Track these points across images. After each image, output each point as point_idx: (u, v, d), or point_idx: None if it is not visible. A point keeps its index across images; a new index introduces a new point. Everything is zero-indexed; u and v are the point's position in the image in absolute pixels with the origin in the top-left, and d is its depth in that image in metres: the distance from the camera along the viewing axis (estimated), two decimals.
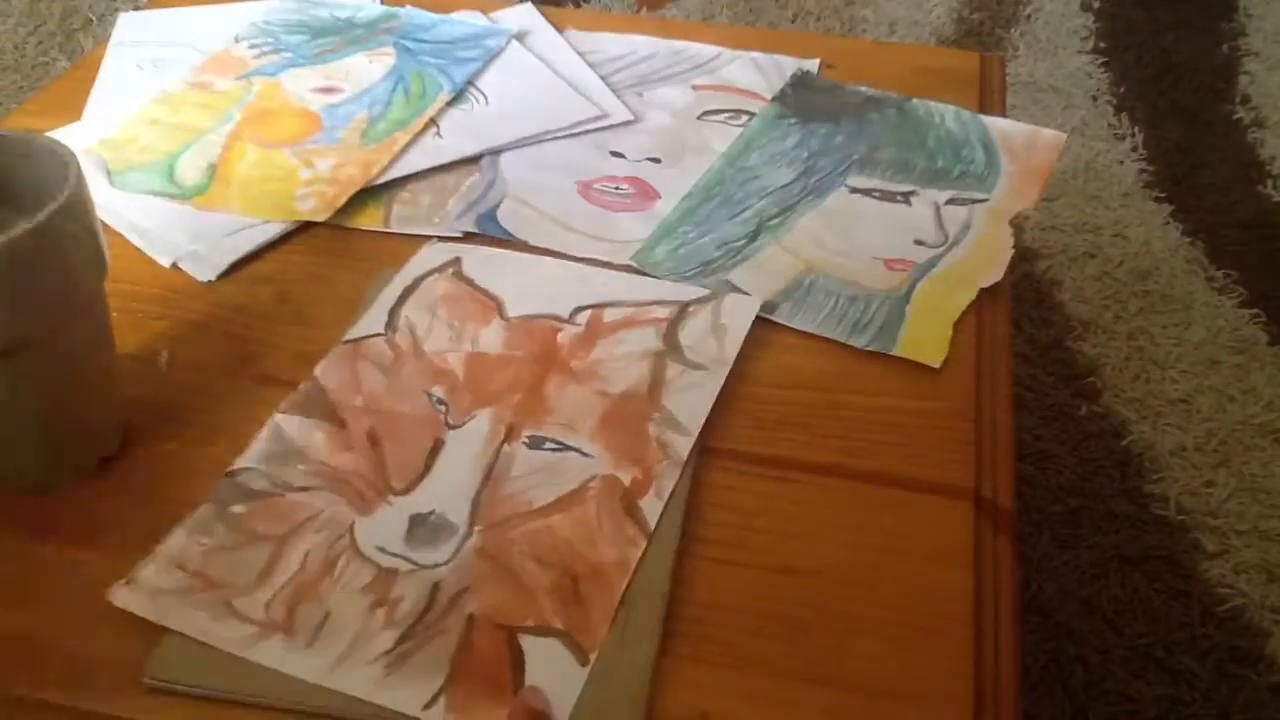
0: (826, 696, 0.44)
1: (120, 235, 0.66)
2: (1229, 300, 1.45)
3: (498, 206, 0.69)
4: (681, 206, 0.70)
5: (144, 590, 0.47)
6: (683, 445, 0.53)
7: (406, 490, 0.51)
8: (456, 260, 0.64)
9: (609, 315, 0.60)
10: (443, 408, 0.55)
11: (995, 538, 0.51)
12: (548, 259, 0.65)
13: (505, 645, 0.45)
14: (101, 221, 0.50)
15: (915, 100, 0.79)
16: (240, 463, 0.52)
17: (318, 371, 0.57)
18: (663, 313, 0.61)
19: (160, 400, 0.56)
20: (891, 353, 0.59)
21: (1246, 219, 1.60)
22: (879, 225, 0.68)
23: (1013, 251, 0.66)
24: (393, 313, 0.60)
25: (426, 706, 0.43)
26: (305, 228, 0.68)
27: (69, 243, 0.47)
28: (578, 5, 1.99)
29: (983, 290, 0.63)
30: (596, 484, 0.52)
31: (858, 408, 0.57)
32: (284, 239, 0.67)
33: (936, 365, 0.59)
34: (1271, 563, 1.14)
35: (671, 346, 0.58)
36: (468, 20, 0.87)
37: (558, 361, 0.57)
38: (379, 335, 0.59)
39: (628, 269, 0.65)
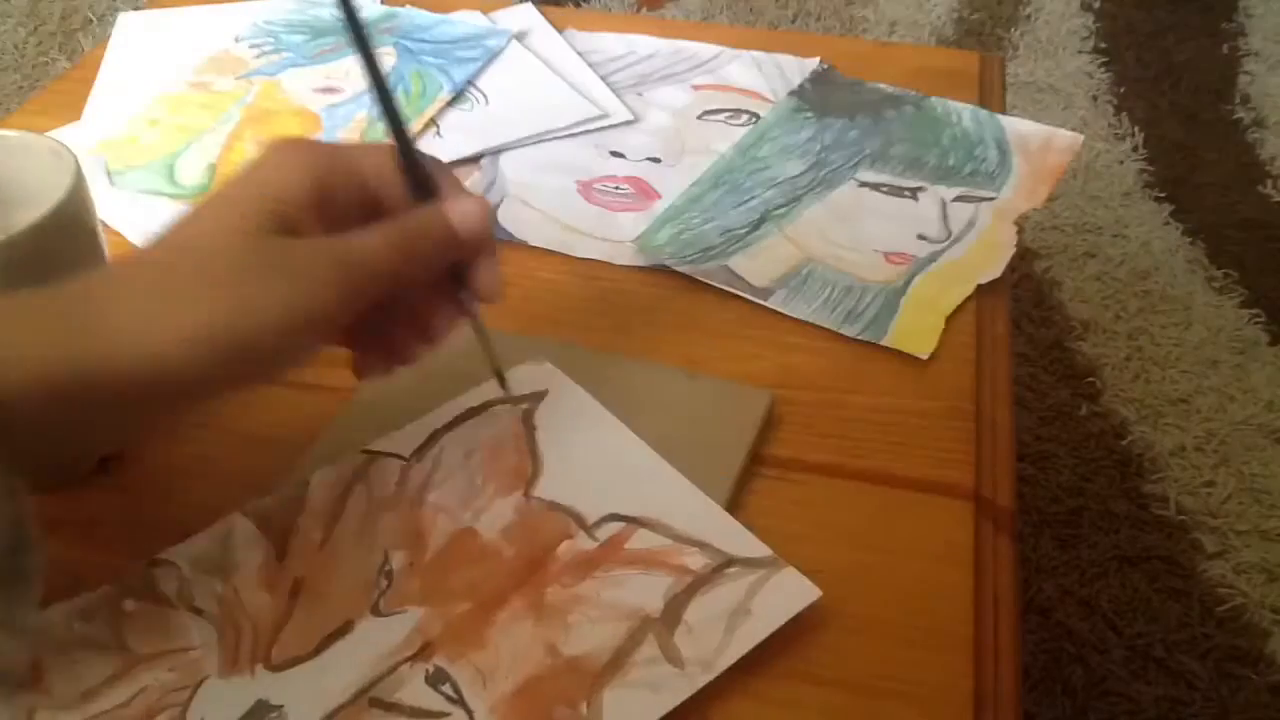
0: (826, 696, 0.44)
1: (120, 235, 0.66)
2: (1229, 300, 1.46)
3: (498, 206, 0.69)
4: (689, 193, 0.70)
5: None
6: None
7: (281, 668, 0.43)
8: (540, 395, 0.53)
9: (636, 542, 0.47)
10: (385, 583, 0.46)
11: (995, 538, 0.51)
12: (626, 431, 0.52)
13: None
14: (101, 221, 0.50)
15: (934, 99, 0.79)
16: (170, 554, 0.47)
17: (314, 478, 0.50)
18: (696, 563, 0.46)
19: None
20: (881, 342, 0.59)
21: (1246, 219, 1.60)
22: (884, 219, 0.68)
23: (1014, 250, 0.66)
24: (433, 437, 0.52)
25: None
26: None
27: (69, 243, 0.47)
28: (578, 5, 1.99)
29: (982, 289, 0.63)
30: None
31: (857, 407, 0.57)
32: None
33: (924, 357, 0.59)
34: (1271, 563, 1.14)
35: (668, 620, 0.45)
36: (468, 20, 0.87)
37: (537, 582, 0.46)
38: (400, 458, 0.51)
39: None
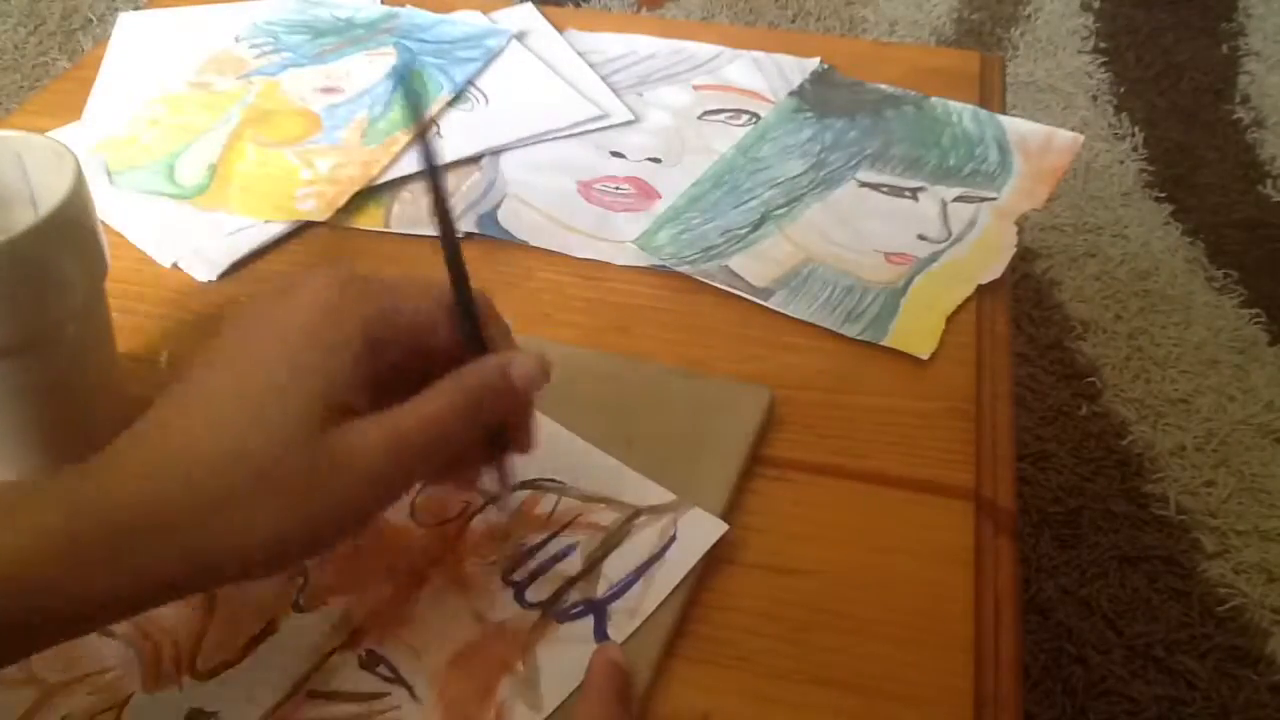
0: (826, 696, 0.44)
1: (120, 235, 0.66)
2: (1229, 300, 1.46)
3: (498, 206, 0.69)
4: (689, 193, 0.70)
5: None
6: None
7: (208, 675, 0.43)
8: None
9: (545, 506, 0.49)
10: (300, 581, 0.46)
11: (995, 538, 0.51)
12: None
13: None
14: (101, 221, 0.50)
15: (934, 99, 0.79)
16: None
17: None
18: (607, 518, 0.49)
19: None
20: (882, 343, 0.59)
21: (1246, 219, 1.60)
22: (884, 219, 0.68)
23: (1015, 250, 0.66)
24: None
25: None
26: (305, 228, 0.68)
27: (69, 243, 0.47)
28: (578, 5, 1.99)
29: (983, 289, 0.63)
30: None
31: (857, 408, 0.57)
32: (284, 239, 0.67)
33: (925, 357, 0.59)
34: (1271, 563, 1.14)
35: (588, 574, 0.47)
36: (468, 20, 0.87)
37: (452, 558, 0.47)
38: None
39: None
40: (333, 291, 0.40)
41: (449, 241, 0.43)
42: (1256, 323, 1.42)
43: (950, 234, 0.67)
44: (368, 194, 0.70)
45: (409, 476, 0.40)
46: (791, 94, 0.80)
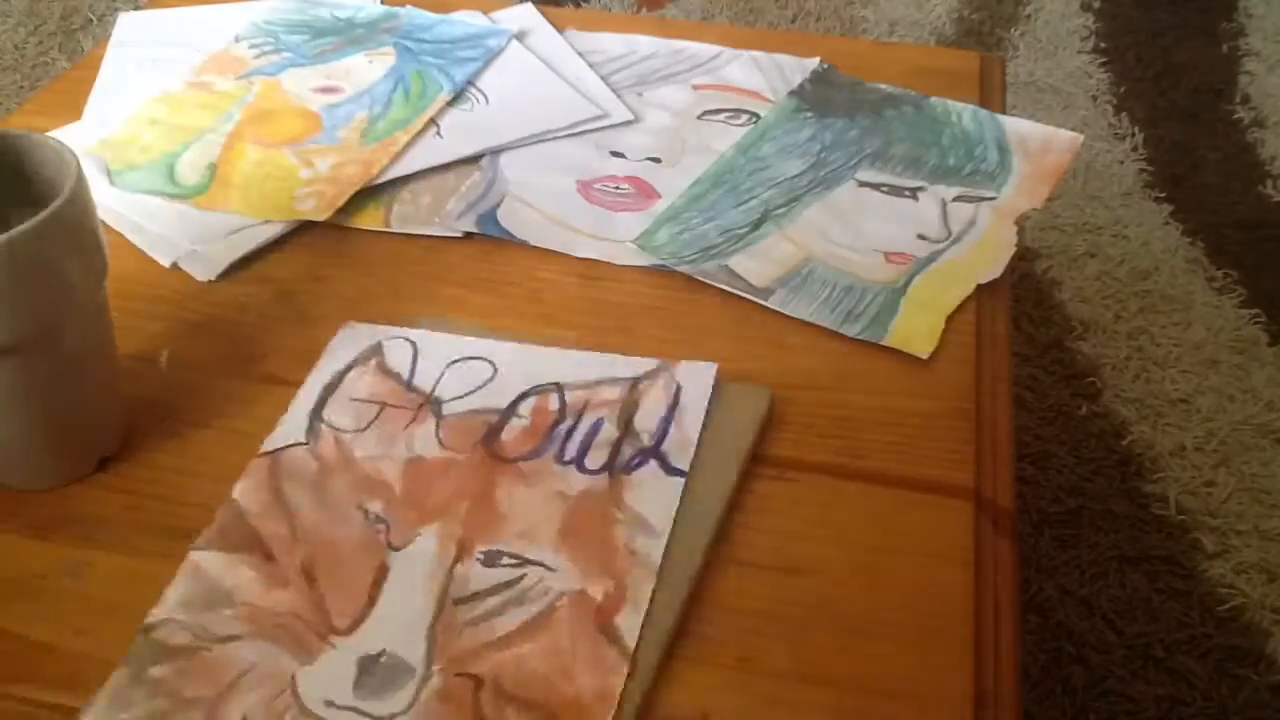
0: (826, 696, 0.44)
1: (120, 235, 0.66)
2: (1229, 300, 1.45)
3: (498, 206, 0.69)
4: (689, 193, 0.70)
5: None
6: (654, 549, 0.48)
7: (351, 629, 0.45)
8: (378, 348, 0.58)
9: (554, 403, 0.54)
10: (382, 526, 0.49)
11: (995, 538, 0.51)
12: (476, 340, 0.58)
13: None
14: (101, 221, 0.50)
15: (934, 99, 0.79)
16: (156, 614, 0.46)
17: (236, 493, 0.50)
18: (613, 393, 0.54)
19: (160, 400, 0.56)
20: (881, 342, 0.59)
21: (1246, 219, 1.60)
22: (884, 219, 0.68)
23: (1014, 250, 0.66)
24: (313, 417, 0.54)
25: None
26: (305, 228, 0.68)
27: (69, 243, 0.47)
28: (578, 5, 1.99)
29: (982, 289, 0.63)
30: (565, 603, 0.46)
31: (857, 407, 0.57)
32: (284, 239, 0.67)
33: (924, 356, 0.59)
34: (1271, 563, 1.14)
35: (628, 433, 0.53)
36: (468, 20, 0.87)
37: (504, 462, 0.51)
38: (301, 445, 0.53)
39: (562, 344, 0.59)
40: None
41: None
42: (1256, 323, 1.42)
43: (950, 234, 0.67)
44: (368, 194, 0.70)
45: None
46: (791, 94, 0.80)
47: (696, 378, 0.55)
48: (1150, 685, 1.04)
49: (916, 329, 0.60)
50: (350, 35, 0.85)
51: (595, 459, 0.52)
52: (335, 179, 0.70)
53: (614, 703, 0.43)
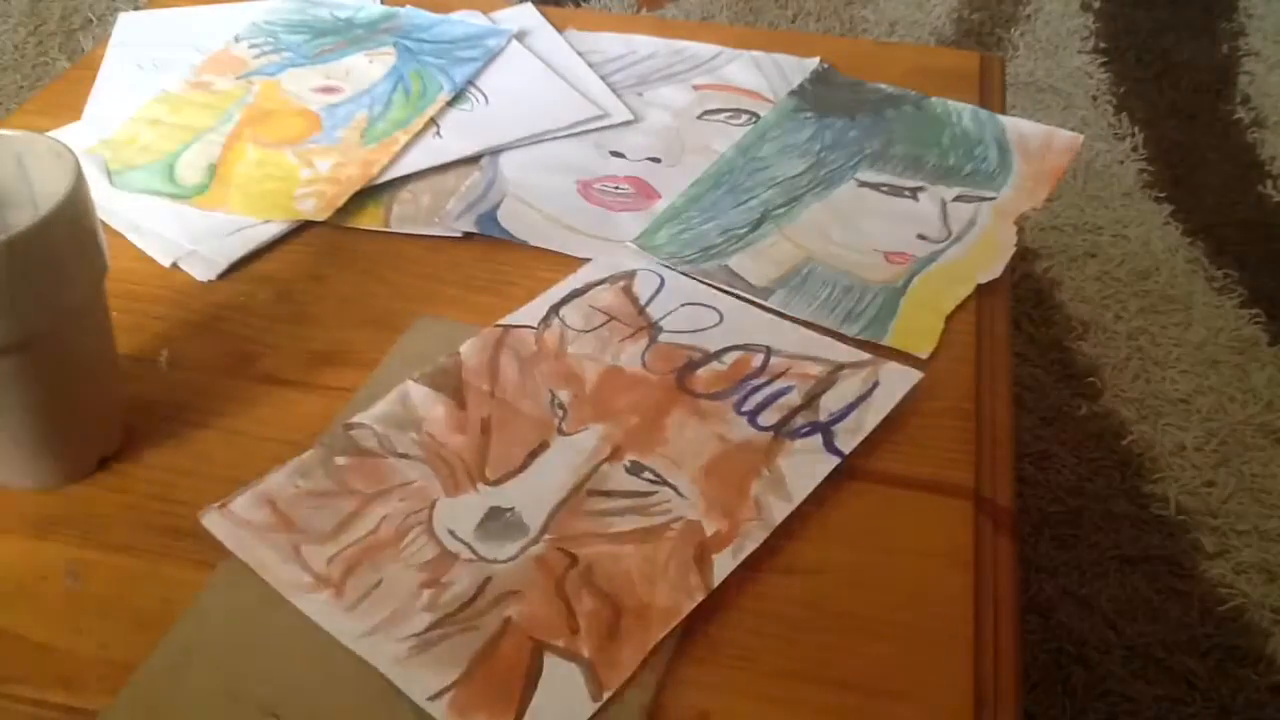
0: (826, 696, 0.44)
1: (120, 235, 0.66)
2: (1229, 300, 1.45)
3: (498, 206, 0.69)
4: (689, 193, 0.70)
5: (232, 519, 0.49)
6: (779, 511, 0.50)
7: (498, 482, 0.51)
8: (631, 274, 0.63)
9: (757, 361, 0.58)
10: (560, 412, 0.55)
11: (995, 538, 0.51)
12: (716, 292, 0.62)
13: (527, 657, 0.45)
14: (101, 221, 0.50)
15: (934, 98, 0.79)
16: (360, 417, 0.54)
17: (463, 349, 0.57)
18: (814, 370, 0.57)
19: (160, 400, 0.56)
20: (882, 342, 0.59)
21: (1246, 219, 1.60)
22: (884, 219, 0.68)
23: (1014, 249, 0.66)
24: (552, 309, 0.61)
25: (433, 698, 0.43)
26: (305, 228, 0.68)
27: (69, 243, 0.47)
28: (578, 5, 1.99)
29: (983, 289, 0.63)
30: (679, 526, 0.50)
31: None
32: (284, 239, 0.67)
33: (924, 356, 0.59)
34: (1271, 563, 1.14)
35: (808, 406, 0.55)
36: (468, 20, 0.87)
37: (688, 395, 0.56)
38: (530, 328, 0.59)
39: (798, 321, 0.61)
40: None
41: None
42: (1256, 323, 1.42)
43: (950, 233, 0.67)
44: (368, 194, 0.70)
45: None
46: (791, 94, 0.80)
47: (897, 378, 0.57)
48: (1150, 685, 1.04)
49: (916, 329, 0.60)
50: (350, 35, 0.85)
51: (769, 417, 0.55)
52: (335, 179, 0.70)
53: (676, 620, 0.46)
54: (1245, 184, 1.67)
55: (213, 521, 0.49)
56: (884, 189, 0.71)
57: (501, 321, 0.60)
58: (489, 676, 0.44)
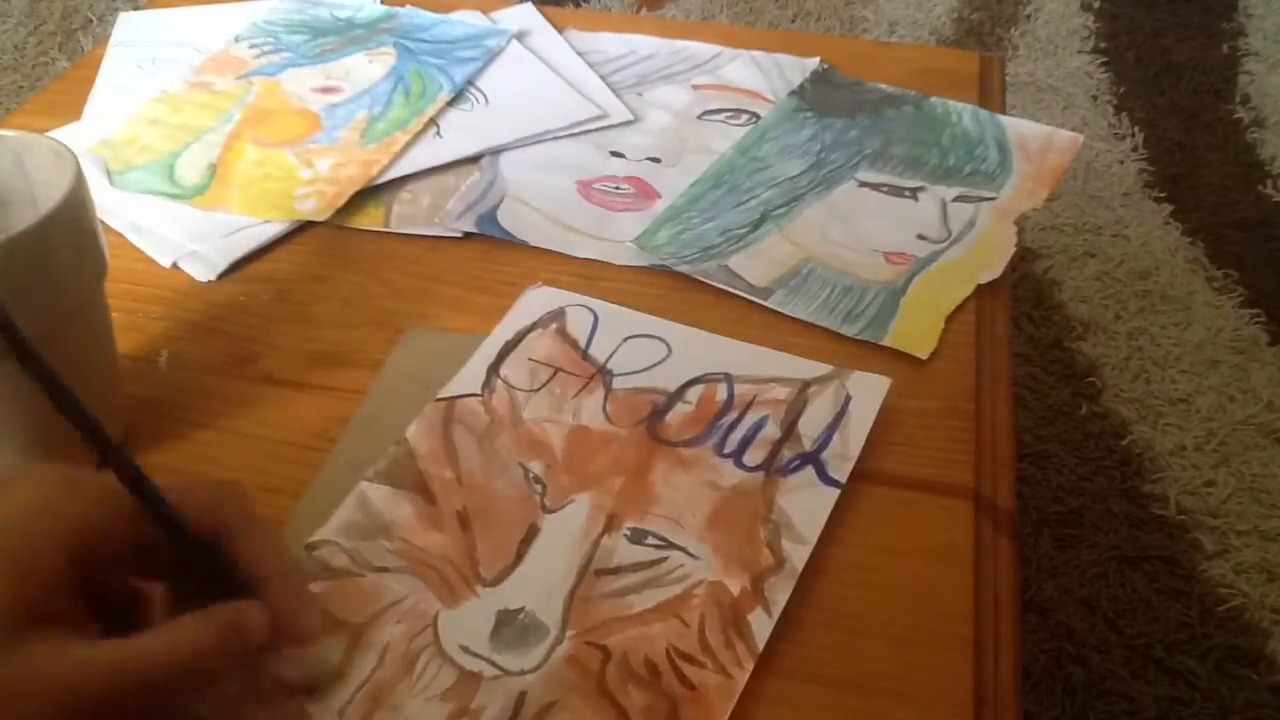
0: (826, 696, 0.44)
1: (120, 235, 0.66)
2: (1229, 300, 1.46)
3: (498, 206, 0.69)
4: (689, 193, 0.70)
5: None
6: (798, 556, 0.48)
7: (496, 581, 0.47)
8: (560, 314, 0.60)
9: (722, 393, 0.55)
10: (539, 487, 0.50)
11: (995, 538, 0.51)
12: (655, 320, 0.60)
13: None
14: (101, 221, 0.50)
15: (934, 99, 0.79)
16: (321, 534, 0.48)
17: (409, 434, 0.52)
18: (781, 393, 0.55)
19: (160, 400, 0.56)
20: (882, 343, 0.59)
21: (1246, 219, 1.60)
22: (883, 219, 0.68)
23: (1014, 249, 0.66)
24: (490, 371, 0.56)
25: None
26: (305, 228, 0.68)
27: (69, 243, 0.47)
28: (578, 5, 1.99)
29: (983, 289, 0.63)
30: (701, 591, 0.46)
31: None
32: (284, 239, 0.67)
33: (924, 356, 0.59)
34: (1271, 563, 1.14)
35: (790, 435, 0.53)
36: (468, 20, 0.87)
37: (665, 445, 0.53)
38: (475, 396, 0.55)
39: (744, 339, 0.59)
40: (46, 487, 0.37)
41: (146, 495, 0.38)
42: (1256, 323, 1.42)
43: (950, 234, 0.67)
44: (368, 194, 0.70)
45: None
46: (791, 94, 0.80)
47: (867, 389, 0.55)
48: (1150, 685, 1.04)
49: (916, 329, 0.60)
50: (350, 35, 0.85)
51: (754, 456, 0.52)
52: (335, 179, 0.70)
53: (734, 699, 0.43)
54: (1245, 184, 1.67)
55: None
56: (884, 189, 0.71)
57: (442, 394, 0.55)
58: None
